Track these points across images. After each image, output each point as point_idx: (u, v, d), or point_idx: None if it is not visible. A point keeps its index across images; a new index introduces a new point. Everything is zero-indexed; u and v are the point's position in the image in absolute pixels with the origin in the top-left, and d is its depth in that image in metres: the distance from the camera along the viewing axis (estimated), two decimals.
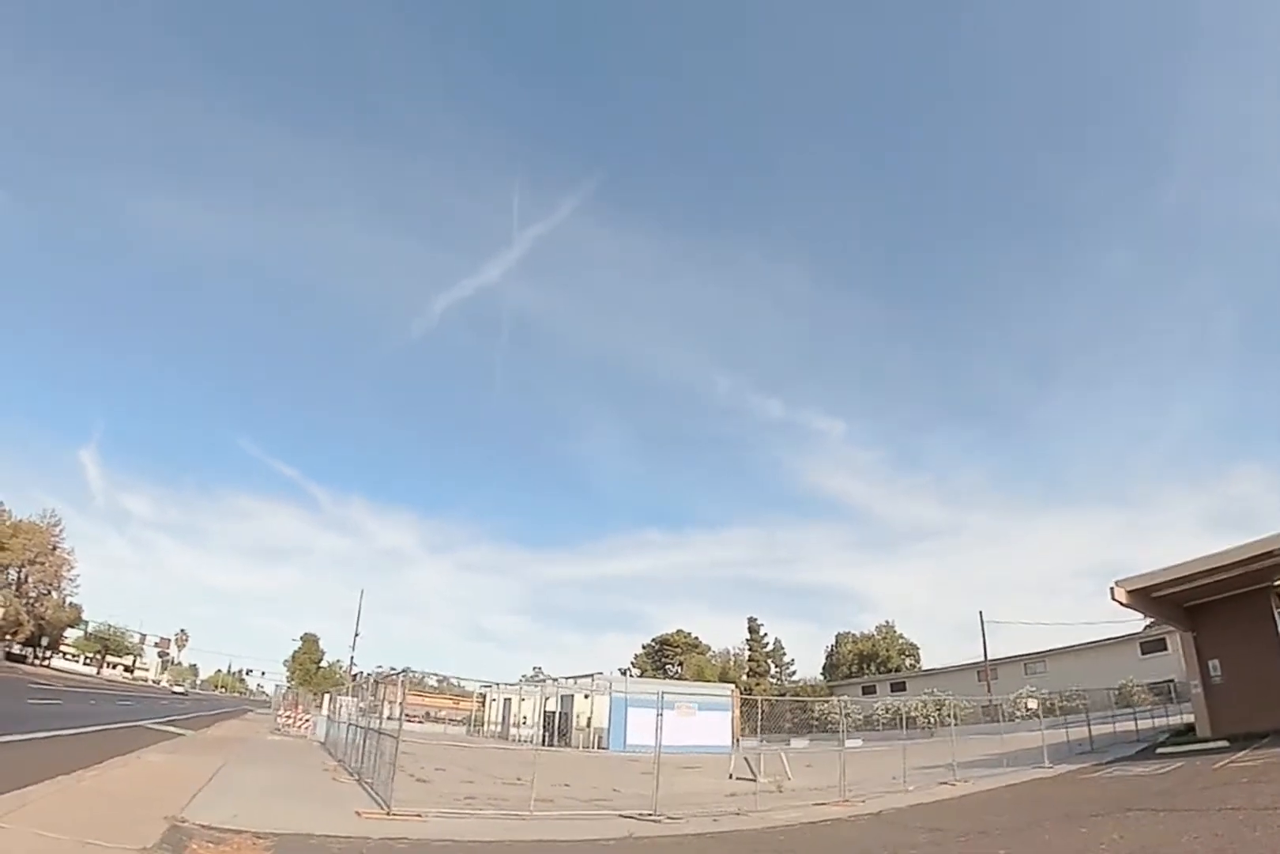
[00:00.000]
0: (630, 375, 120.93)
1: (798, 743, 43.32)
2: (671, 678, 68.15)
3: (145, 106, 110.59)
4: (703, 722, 37.15)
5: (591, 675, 39.97)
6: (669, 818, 11.21)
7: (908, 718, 48.19)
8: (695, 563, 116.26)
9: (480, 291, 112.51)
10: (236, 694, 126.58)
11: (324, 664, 73.55)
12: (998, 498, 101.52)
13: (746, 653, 74.75)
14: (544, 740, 37.49)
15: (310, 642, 73.22)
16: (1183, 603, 21.11)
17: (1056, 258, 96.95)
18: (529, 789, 11.14)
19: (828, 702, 45.17)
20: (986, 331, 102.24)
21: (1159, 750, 18.67)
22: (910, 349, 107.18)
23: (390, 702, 16.17)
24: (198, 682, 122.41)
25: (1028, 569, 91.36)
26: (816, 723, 51.81)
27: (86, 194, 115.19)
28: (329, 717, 28.11)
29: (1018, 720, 39.20)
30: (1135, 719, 26.73)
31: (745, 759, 18.66)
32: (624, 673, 77.83)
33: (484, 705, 51.47)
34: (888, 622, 71.79)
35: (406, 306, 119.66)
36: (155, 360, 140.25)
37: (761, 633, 75.39)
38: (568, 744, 38.36)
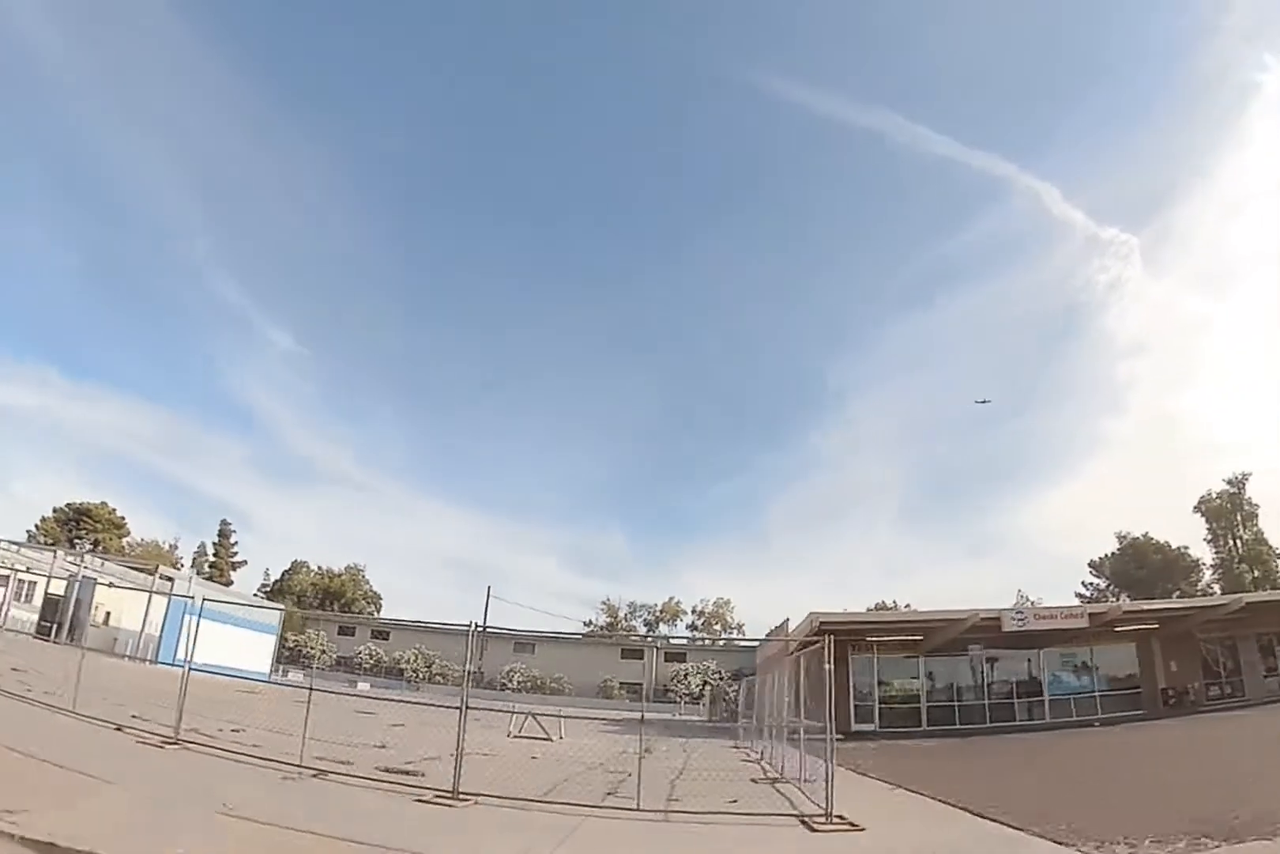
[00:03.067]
0: (102, 192, 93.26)
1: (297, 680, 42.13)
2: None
3: None
4: (247, 642, 33.64)
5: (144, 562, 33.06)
6: None
7: (399, 669, 51.07)
8: (86, 421, 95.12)
9: None
10: None
11: None
12: (411, 477, 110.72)
13: (209, 558, 66.80)
14: (44, 633, 29.26)
15: None
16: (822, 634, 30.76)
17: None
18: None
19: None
20: (455, 337, 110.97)
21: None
22: (408, 317, 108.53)
23: None
24: None
25: (412, 547, 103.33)
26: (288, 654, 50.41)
27: None
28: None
29: (509, 691, 46.14)
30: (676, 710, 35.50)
31: (534, 717, 19.26)
32: (31, 539, 62.91)
33: None
34: (356, 564, 72.78)
35: None
36: None
37: (233, 540, 68.66)
38: (76, 643, 29.86)
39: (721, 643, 56.96)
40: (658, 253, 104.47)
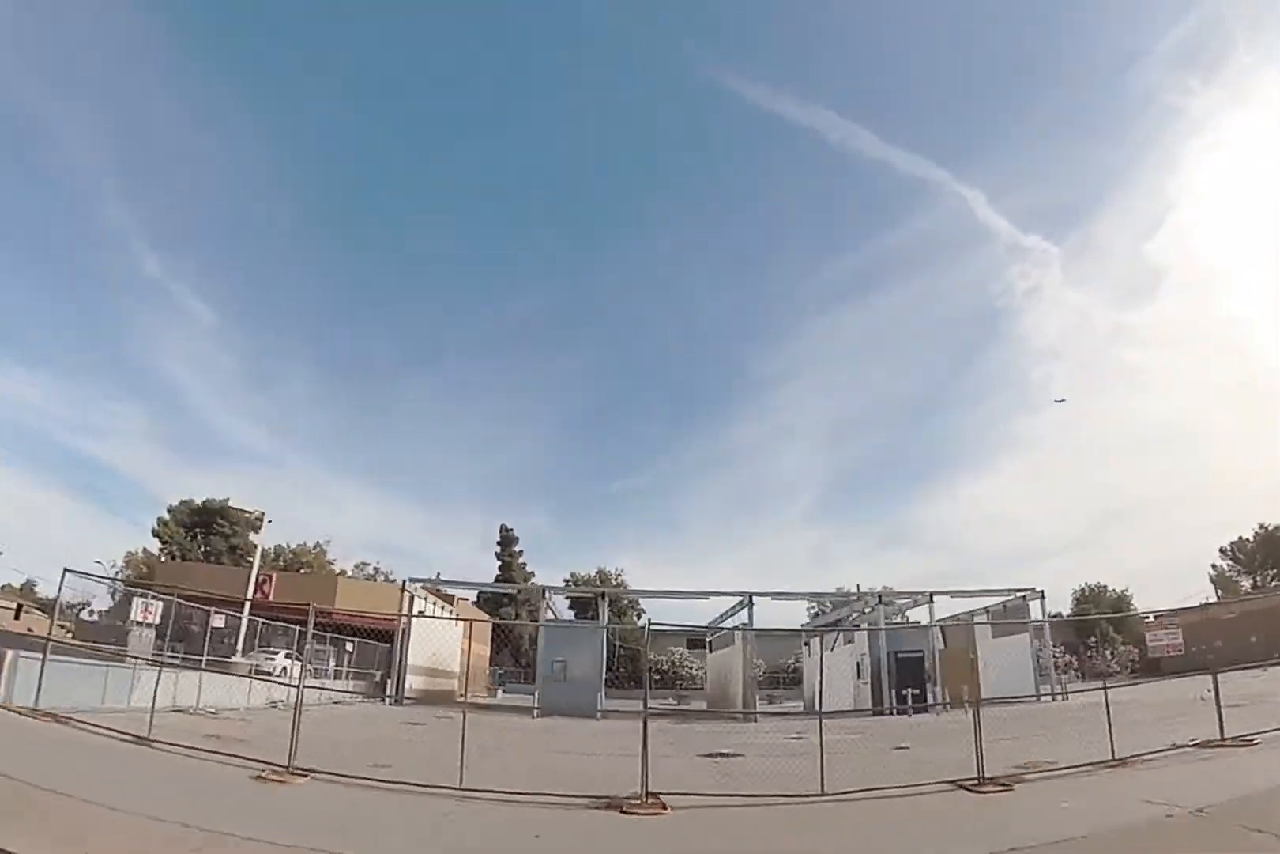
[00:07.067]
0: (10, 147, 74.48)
1: None
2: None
3: None
4: None
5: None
6: None
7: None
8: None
9: None
10: None
11: None
12: (328, 452, 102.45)
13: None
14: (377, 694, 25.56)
15: None
16: None
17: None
18: None
19: None
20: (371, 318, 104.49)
21: None
22: (338, 298, 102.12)
23: None
24: None
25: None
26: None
27: None
28: None
29: None
30: None
31: None
32: (163, 551, 54.55)
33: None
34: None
35: None
36: None
37: (516, 548, 60.44)
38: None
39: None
40: (597, 240, 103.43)
